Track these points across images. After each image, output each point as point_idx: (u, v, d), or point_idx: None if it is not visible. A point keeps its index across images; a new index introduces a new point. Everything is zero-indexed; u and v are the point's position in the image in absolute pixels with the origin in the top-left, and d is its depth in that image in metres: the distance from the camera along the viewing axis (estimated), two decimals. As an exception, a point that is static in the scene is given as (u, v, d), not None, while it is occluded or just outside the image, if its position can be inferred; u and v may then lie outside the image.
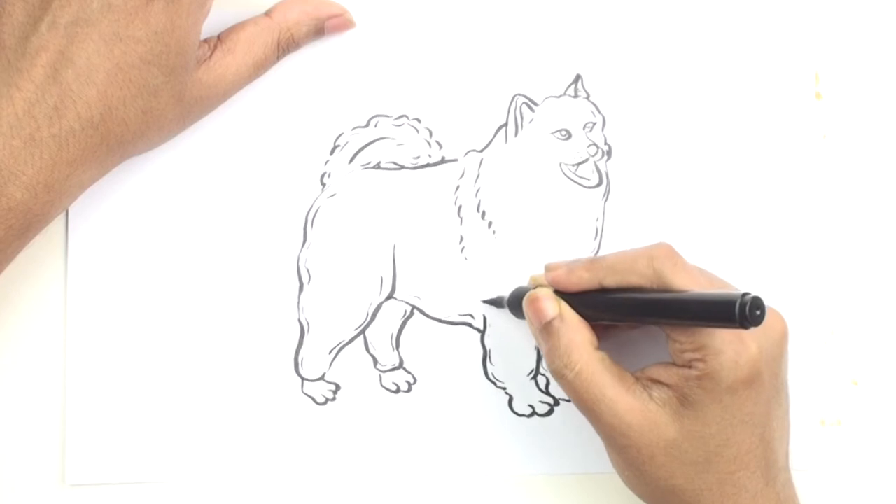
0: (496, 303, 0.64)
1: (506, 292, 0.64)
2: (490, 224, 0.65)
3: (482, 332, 0.65)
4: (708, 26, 0.66)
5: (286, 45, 0.62)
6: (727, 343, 0.56)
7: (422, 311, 0.65)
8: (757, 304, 0.52)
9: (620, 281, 0.58)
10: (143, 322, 0.64)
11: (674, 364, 0.57)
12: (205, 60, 0.59)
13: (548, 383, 0.65)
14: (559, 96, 0.65)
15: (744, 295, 0.52)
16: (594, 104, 0.65)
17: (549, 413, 0.65)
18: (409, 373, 0.65)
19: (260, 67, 0.62)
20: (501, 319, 0.65)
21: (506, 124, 0.65)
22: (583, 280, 0.59)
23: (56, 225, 0.62)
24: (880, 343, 0.66)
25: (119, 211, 0.63)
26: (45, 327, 0.63)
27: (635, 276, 0.57)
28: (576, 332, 0.58)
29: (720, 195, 0.65)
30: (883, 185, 0.66)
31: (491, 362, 0.65)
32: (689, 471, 0.57)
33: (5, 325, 0.63)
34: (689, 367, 0.56)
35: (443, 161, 0.65)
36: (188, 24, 0.57)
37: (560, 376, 0.58)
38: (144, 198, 0.64)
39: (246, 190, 0.64)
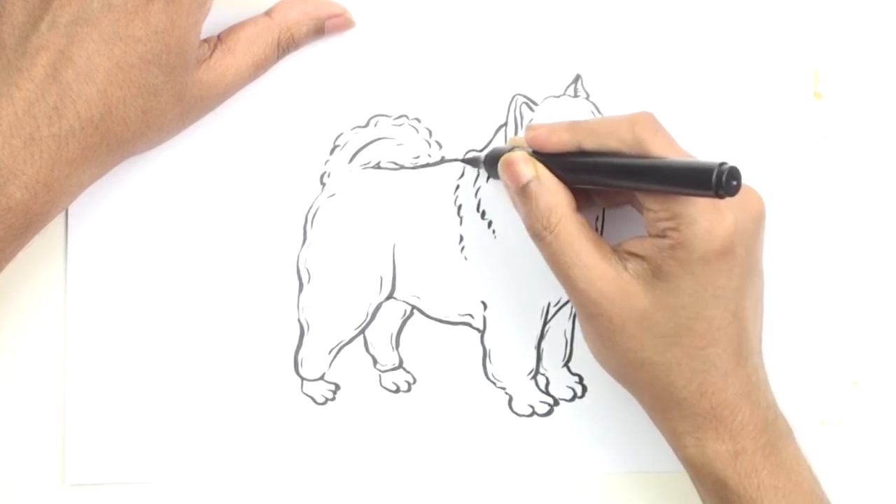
0: (472, 162, 0.64)
1: (506, 292, 0.64)
2: (490, 224, 0.65)
3: (482, 332, 0.65)
4: (707, 26, 0.66)
5: (286, 45, 0.62)
6: (702, 213, 0.55)
7: (422, 311, 0.65)
8: (734, 173, 0.52)
9: (600, 144, 0.58)
10: (142, 322, 0.64)
11: (648, 236, 0.57)
12: (205, 60, 0.60)
13: (548, 383, 0.65)
14: (559, 96, 0.65)
15: (721, 164, 0.52)
16: (594, 104, 0.65)
17: (549, 413, 0.65)
18: (408, 373, 0.65)
19: (260, 67, 0.62)
20: (502, 319, 0.65)
21: (506, 124, 0.65)
22: (562, 140, 0.59)
23: (56, 225, 0.62)
24: (880, 343, 0.66)
25: (119, 211, 0.63)
26: (45, 327, 0.63)
27: (615, 140, 0.57)
28: (553, 194, 0.58)
29: (720, 195, 0.65)
30: (883, 185, 0.66)
31: (491, 362, 0.65)
32: (659, 343, 0.57)
33: (5, 325, 0.63)
34: (663, 236, 0.56)
35: (443, 161, 0.65)
36: (188, 24, 0.57)
37: (539, 238, 0.58)
38: (144, 197, 0.64)
39: (246, 190, 0.64)
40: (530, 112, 0.65)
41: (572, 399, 0.65)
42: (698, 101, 0.66)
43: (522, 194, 0.59)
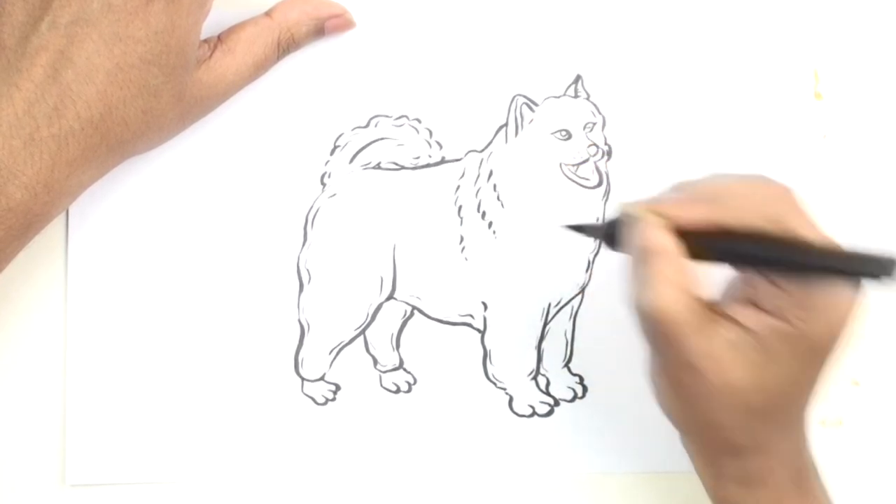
0: (584, 229, 0.60)
1: (506, 292, 0.64)
2: (490, 224, 0.65)
3: (482, 333, 0.65)
4: (708, 26, 0.66)
5: (286, 45, 0.62)
6: (827, 309, 0.54)
7: (422, 312, 0.65)
8: None
9: (740, 218, 0.54)
10: (143, 322, 0.64)
11: (762, 310, 0.55)
12: (205, 60, 0.59)
13: (548, 384, 0.65)
14: (559, 96, 0.65)
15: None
16: (594, 104, 0.65)
17: (549, 413, 0.65)
18: (409, 373, 0.65)
19: (260, 67, 0.62)
20: (502, 320, 0.65)
21: (506, 124, 0.65)
22: (700, 215, 0.55)
23: (56, 225, 0.62)
24: (880, 343, 0.66)
25: (119, 211, 0.63)
26: (45, 327, 0.63)
27: (757, 217, 0.54)
28: (675, 268, 0.54)
29: (720, 195, 0.65)
30: (883, 185, 0.66)
31: (491, 362, 0.65)
32: (742, 414, 0.55)
33: (5, 325, 0.63)
34: (783, 319, 0.55)
35: (443, 161, 0.65)
36: (188, 24, 0.57)
37: (640, 307, 0.55)
38: (145, 198, 0.64)
39: (246, 190, 0.64)
40: (530, 112, 0.65)
41: (573, 399, 0.65)
42: (698, 101, 0.66)
43: (642, 260, 0.55)
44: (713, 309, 0.55)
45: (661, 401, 0.58)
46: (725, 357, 0.55)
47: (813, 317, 0.54)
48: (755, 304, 0.55)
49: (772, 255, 0.54)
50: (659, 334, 0.55)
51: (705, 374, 0.54)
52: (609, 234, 0.57)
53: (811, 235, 0.55)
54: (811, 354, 0.55)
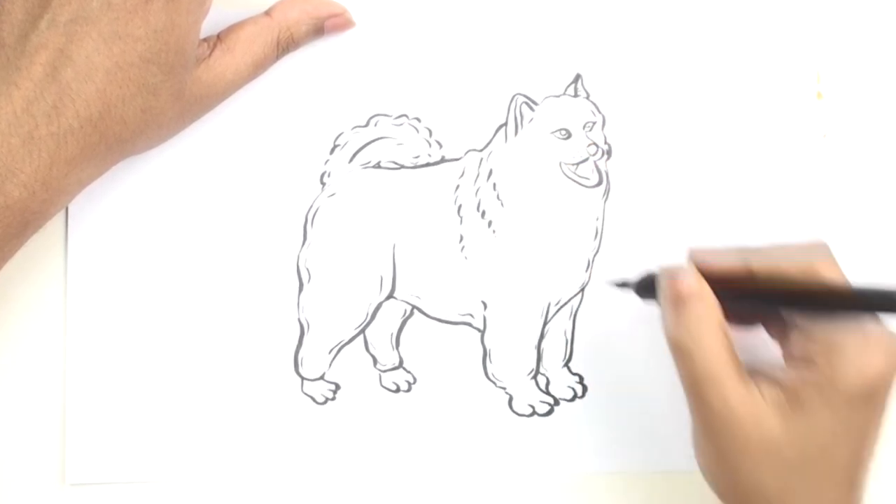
0: (625, 284, 0.62)
1: (506, 291, 0.64)
2: (490, 224, 0.65)
3: (482, 332, 0.65)
4: (708, 26, 0.66)
5: (286, 45, 0.62)
6: (856, 349, 0.54)
7: (422, 311, 0.65)
8: None
9: (771, 265, 0.57)
10: (143, 321, 0.64)
11: (791, 366, 0.56)
12: (204, 59, 0.60)
13: (548, 383, 0.65)
14: (559, 96, 0.65)
15: None
16: (594, 104, 0.65)
17: (549, 413, 0.65)
18: (408, 372, 0.65)
19: (259, 66, 0.62)
20: (502, 319, 0.65)
21: (505, 124, 0.65)
22: (729, 262, 0.57)
23: (55, 224, 0.62)
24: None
25: (119, 210, 0.63)
26: (44, 327, 0.63)
27: (787, 263, 0.56)
28: (710, 308, 0.56)
29: (720, 195, 0.65)
30: (883, 185, 0.66)
31: (491, 362, 0.65)
32: (780, 470, 0.55)
33: (5, 325, 0.63)
34: (809, 367, 0.55)
35: (443, 161, 0.65)
36: (188, 23, 0.57)
37: (682, 345, 0.56)
38: (144, 197, 0.64)
39: (246, 189, 0.64)
40: (530, 111, 0.65)
41: (573, 399, 0.65)
42: (699, 101, 0.66)
43: (677, 301, 0.57)
44: (749, 371, 0.57)
45: (701, 461, 0.58)
46: (762, 407, 0.55)
47: (840, 361, 0.54)
48: (787, 359, 0.57)
49: (793, 296, 0.56)
50: (701, 377, 0.56)
51: (743, 424, 0.55)
52: (644, 286, 0.60)
53: (834, 279, 0.56)
54: (845, 403, 0.55)
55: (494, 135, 0.65)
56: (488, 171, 0.65)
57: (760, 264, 0.57)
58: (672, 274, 0.58)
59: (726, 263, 0.58)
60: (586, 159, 0.65)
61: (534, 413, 0.65)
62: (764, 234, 0.65)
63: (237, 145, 0.64)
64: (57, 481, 0.63)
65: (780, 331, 0.58)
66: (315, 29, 0.63)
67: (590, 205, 0.65)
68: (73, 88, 0.55)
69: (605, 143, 0.65)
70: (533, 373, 0.65)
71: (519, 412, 0.65)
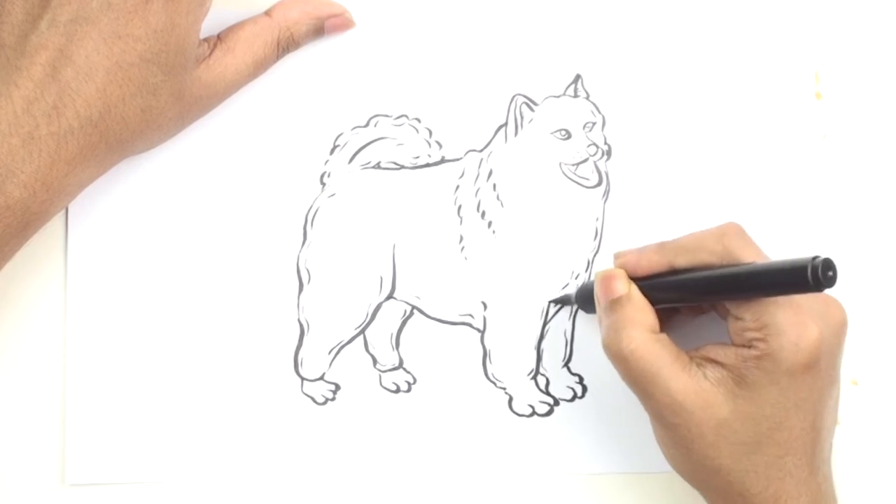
0: (564, 300, 0.65)
1: (506, 291, 0.64)
2: (490, 224, 0.65)
3: (482, 332, 0.65)
4: (708, 26, 0.66)
5: (286, 45, 0.62)
6: (790, 324, 0.56)
7: (422, 311, 0.65)
8: (829, 265, 0.52)
9: (691, 259, 0.58)
10: (142, 322, 0.64)
11: (731, 344, 0.57)
12: (204, 59, 0.60)
13: (548, 383, 0.65)
14: (559, 96, 0.65)
15: (814, 258, 0.52)
16: (594, 104, 0.65)
17: (549, 413, 0.65)
18: (408, 373, 0.65)
19: (259, 67, 0.62)
20: (502, 319, 0.65)
21: (505, 124, 0.65)
22: (653, 262, 0.59)
23: (56, 224, 0.62)
24: (880, 343, 0.66)
25: (119, 210, 0.63)
26: (44, 327, 0.63)
27: (706, 254, 0.58)
28: (639, 311, 0.58)
29: (720, 195, 0.65)
30: (883, 185, 0.66)
31: (491, 362, 0.65)
32: (738, 451, 0.57)
33: (5, 325, 0.63)
34: (749, 346, 0.56)
35: (443, 161, 0.65)
36: (188, 23, 0.57)
37: (615, 352, 0.58)
38: (144, 197, 0.64)
39: (246, 190, 0.64)
40: (530, 112, 0.65)
41: (572, 399, 0.65)
42: (699, 101, 0.66)
43: (610, 308, 0.59)
44: (689, 354, 0.58)
45: (665, 454, 0.60)
46: (709, 392, 0.57)
47: (771, 336, 0.56)
48: (732, 340, 0.58)
49: (714, 282, 0.57)
50: (639, 377, 0.57)
51: (693, 411, 0.56)
52: (585, 298, 0.63)
53: (752, 261, 0.57)
54: (788, 376, 0.56)
55: (494, 135, 0.65)
56: (488, 171, 0.65)
57: (680, 259, 0.59)
58: (606, 276, 0.60)
59: (651, 263, 0.59)
60: (586, 160, 0.65)
61: (533, 413, 0.65)
62: (764, 235, 0.65)
63: (237, 145, 0.64)
64: (57, 482, 0.63)
65: (724, 312, 0.59)
66: (315, 29, 0.63)
67: (590, 205, 0.65)
68: (74, 88, 0.55)
69: (605, 143, 0.65)
70: (533, 373, 0.65)
71: (519, 412, 0.65)
